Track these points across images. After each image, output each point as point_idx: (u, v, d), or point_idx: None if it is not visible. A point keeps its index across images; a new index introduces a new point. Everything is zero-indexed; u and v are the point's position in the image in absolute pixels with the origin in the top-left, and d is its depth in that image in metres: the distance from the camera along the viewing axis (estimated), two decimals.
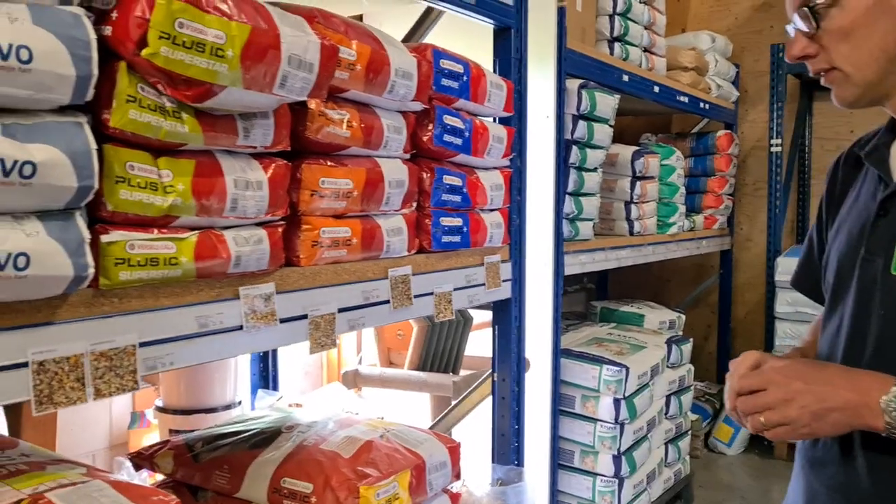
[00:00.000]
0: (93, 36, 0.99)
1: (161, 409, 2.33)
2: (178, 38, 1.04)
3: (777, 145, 4.47)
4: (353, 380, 2.42)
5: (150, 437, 2.90)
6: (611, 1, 3.48)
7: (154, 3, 1.02)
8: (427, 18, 2.12)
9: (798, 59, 1.12)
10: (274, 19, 1.18)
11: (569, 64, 2.97)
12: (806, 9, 1.07)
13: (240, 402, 2.46)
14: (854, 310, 1.10)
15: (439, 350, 2.47)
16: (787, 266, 4.15)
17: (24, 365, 0.98)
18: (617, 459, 3.03)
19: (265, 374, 2.47)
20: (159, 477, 1.73)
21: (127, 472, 1.75)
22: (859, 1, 1.04)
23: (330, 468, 1.52)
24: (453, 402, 2.18)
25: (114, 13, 1.04)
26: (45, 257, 0.95)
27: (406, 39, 2.13)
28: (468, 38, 2.19)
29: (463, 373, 2.47)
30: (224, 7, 1.09)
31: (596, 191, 3.22)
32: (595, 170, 3.21)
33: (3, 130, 0.91)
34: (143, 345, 1.11)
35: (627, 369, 2.99)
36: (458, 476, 1.71)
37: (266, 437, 1.67)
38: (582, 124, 3.03)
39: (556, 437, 2.92)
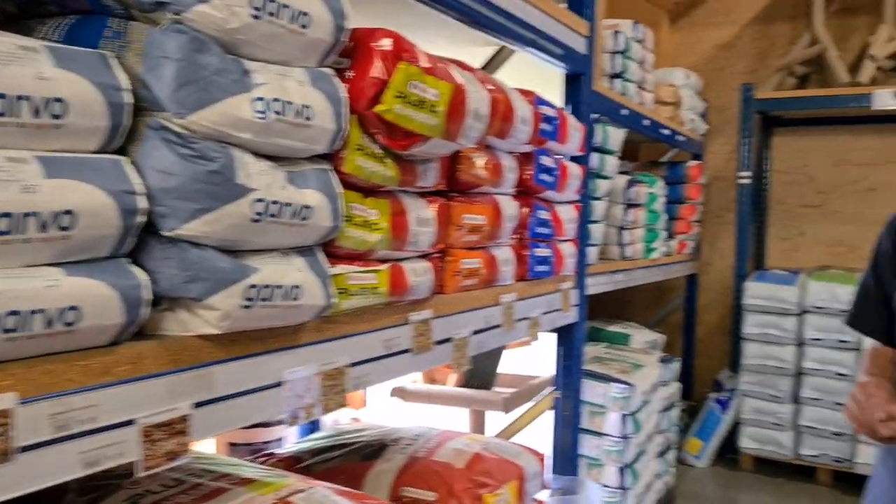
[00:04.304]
0: (345, 95, 1.12)
1: None
2: (409, 97, 1.18)
3: (746, 177, 4.81)
4: (401, 395, 2.54)
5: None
6: (612, 40, 3.73)
7: (394, 67, 1.16)
8: (496, 59, 2.29)
9: None
10: (457, 76, 1.33)
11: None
12: None
13: None
14: None
15: (479, 368, 2.62)
16: (755, 291, 4.48)
17: (279, 384, 1.10)
18: (622, 471, 3.24)
19: None
20: None
21: None
22: None
23: (449, 477, 1.65)
24: (505, 417, 2.33)
25: (349, 72, 1.18)
26: (310, 289, 1.08)
27: None
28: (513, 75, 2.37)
29: (505, 390, 2.63)
30: (435, 68, 1.24)
31: (602, 218, 3.44)
32: (602, 198, 3.43)
33: (287, 178, 1.04)
34: (351, 365, 1.24)
35: (634, 387, 3.20)
36: (544, 486, 1.87)
37: (375, 450, 1.79)
38: (595, 156, 3.23)
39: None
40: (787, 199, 5.09)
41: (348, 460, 1.78)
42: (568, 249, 2.04)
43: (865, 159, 4.79)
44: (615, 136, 3.34)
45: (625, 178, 3.90)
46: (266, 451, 1.88)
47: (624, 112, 3.70)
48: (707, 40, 5.42)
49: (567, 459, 2.17)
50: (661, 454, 3.78)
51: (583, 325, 2.20)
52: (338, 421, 2.27)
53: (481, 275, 1.62)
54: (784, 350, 4.37)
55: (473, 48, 2.21)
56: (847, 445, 4.17)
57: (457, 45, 2.23)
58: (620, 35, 3.76)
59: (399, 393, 2.52)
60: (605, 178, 3.37)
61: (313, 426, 2.60)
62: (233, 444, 2.47)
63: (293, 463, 1.82)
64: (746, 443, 4.52)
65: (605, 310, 5.40)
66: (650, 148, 5.52)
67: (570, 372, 2.17)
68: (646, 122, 4.06)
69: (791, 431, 4.38)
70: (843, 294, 4.10)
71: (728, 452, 4.68)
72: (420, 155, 1.31)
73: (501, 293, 1.73)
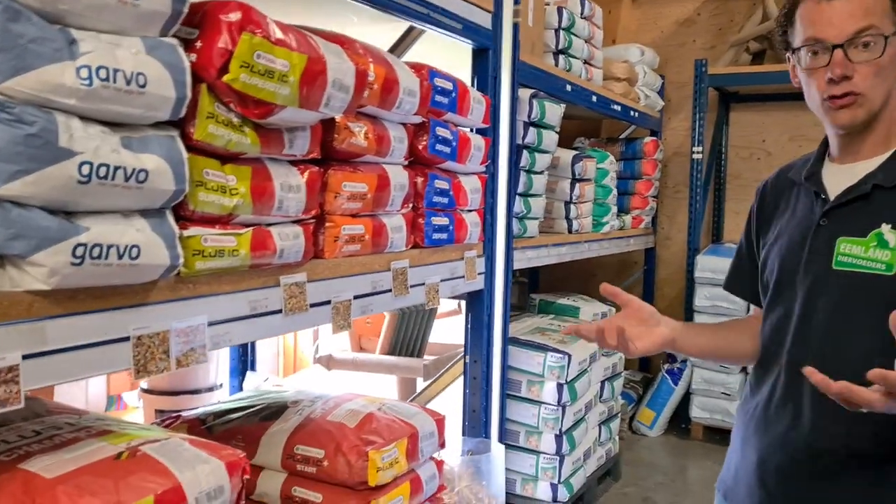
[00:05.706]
0: (187, 64, 1.18)
1: (147, 391, 2.47)
2: (255, 66, 1.23)
3: (698, 152, 4.86)
4: (328, 363, 2.61)
5: (127, 418, 3.02)
6: (556, 17, 3.77)
7: (238, 38, 1.21)
8: (408, 36, 2.34)
9: (841, 78, 1.30)
10: (320, 49, 1.38)
11: (521, 75, 3.22)
12: (883, 38, 1.27)
13: (220, 385, 2.62)
14: (803, 299, 1.37)
15: (407, 336, 2.69)
16: (705, 264, 4.56)
17: (126, 339, 1.16)
18: (559, 438, 3.32)
19: (244, 359, 2.64)
20: None
21: None
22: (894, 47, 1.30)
23: (339, 436, 1.73)
24: (426, 383, 2.41)
25: (197, 42, 1.23)
26: (150, 249, 1.14)
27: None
28: (437, 51, 2.42)
29: (427, 357, 2.70)
30: (288, 40, 1.29)
31: (542, 192, 3.49)
32: (542, 172, 3.48)
33: (122, 142, 1.10)
34: (210, 324, 1.30)
35: (570, 356, 3.28)
36: (442, 445, 1.95)
37: (274, 411, 1.87)
38: (532, 131, 3.29)
39: (503, 419, 3.18)
40: (744, 173, 5.15)
41: (248, 421, 1.85)
42: (471, 219, 2.10)
43: (818, 135, 4.81)
44: (553, 111, 3.39)
45: (571, 152, 3.96)
46: (173, 414, 1.95)
47: (567, 88, 3.74)
48: (667, 16, 5.46)
49: (477, 421, 2.25)
50: (605, 422, 3.86)
51: (492, 293, 2.27)
52: (259, 387, 2.34)
53: (365, 241, 1.68)
54: None
55: (386, 23, 2.25)
56: None
57: (377, 21, 2.27)
58: (565, 11, 3.80)
59: (324, 361, 2.59)
60: (545, 152, 3.42)
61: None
62: (160, 412, 2.54)
63: (198, 424, 1.89)
64: (697, 412, 4.62)
65: (567, 282, 5.48)
66: (612, 125, 5.57)
67: (478, 337, 2.24)
68: (594, 99, 4.11)
69: (739, 401, 4.47)
70: None
71: (680, 422, 4.79)
72: (280, 123, 1.36)
73: (393, 259, 1.79)
